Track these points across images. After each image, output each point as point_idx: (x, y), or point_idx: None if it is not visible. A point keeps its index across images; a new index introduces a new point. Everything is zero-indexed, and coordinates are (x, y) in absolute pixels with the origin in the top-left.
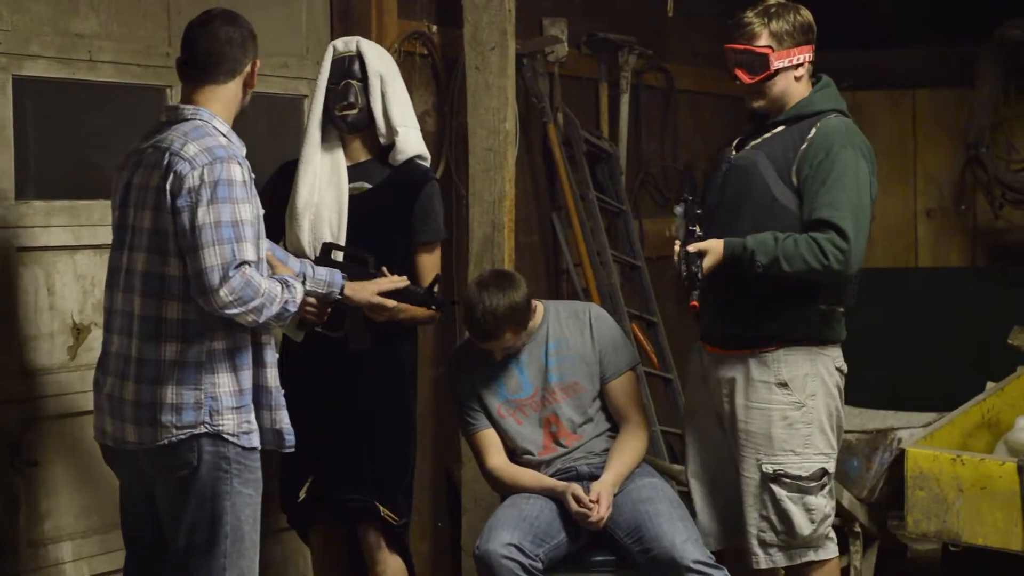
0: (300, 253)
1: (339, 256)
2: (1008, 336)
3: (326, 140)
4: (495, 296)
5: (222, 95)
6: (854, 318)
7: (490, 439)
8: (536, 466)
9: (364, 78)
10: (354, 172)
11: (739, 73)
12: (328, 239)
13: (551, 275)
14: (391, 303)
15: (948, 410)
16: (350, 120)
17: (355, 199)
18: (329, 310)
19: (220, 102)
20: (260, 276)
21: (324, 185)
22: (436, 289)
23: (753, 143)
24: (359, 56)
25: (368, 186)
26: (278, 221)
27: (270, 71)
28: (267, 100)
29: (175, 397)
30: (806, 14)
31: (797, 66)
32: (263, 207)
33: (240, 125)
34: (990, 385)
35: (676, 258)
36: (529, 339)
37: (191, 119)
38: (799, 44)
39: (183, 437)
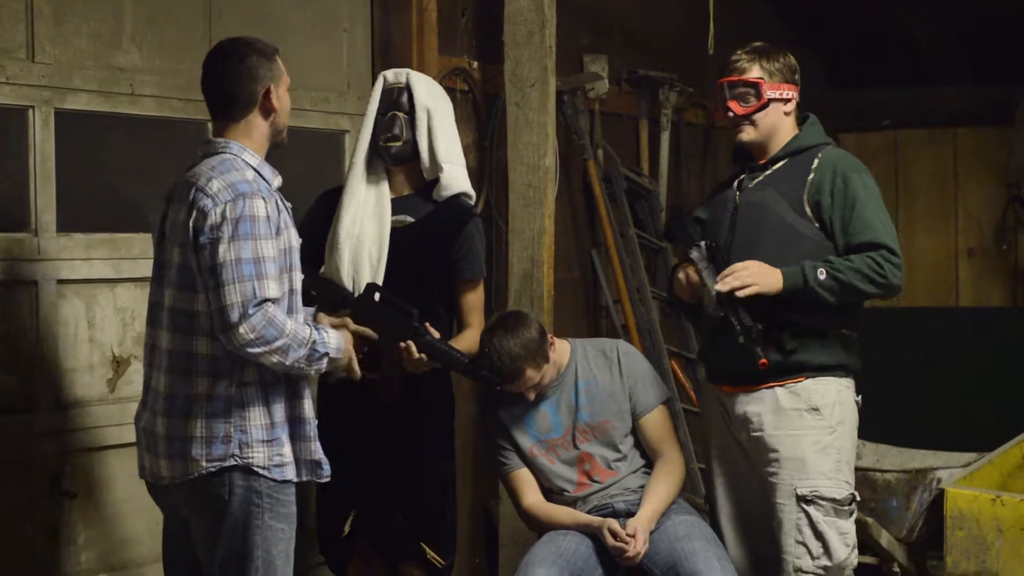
0: (338, 282)
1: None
2: None
3: (372, 171)
4: (506, 338)
5: (244, 128)
6: (894, 356)
7: (524, 478)
8: (572, 503)
9: (411, 111)
10: (397, 205)
11: (732, 105)
12: (367, 271)
13: (590, 311)
14: (425, 364)
15: (988, 450)
16: (394, 152)
17: (397, 232)
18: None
19: (246, 135)
20: (285, 315)
21: (367, 216)
22: (480, 361)
23: (756, 181)
24: (408, 88)
25: (410, 219)
26: (318, 249)
27: (311, 105)
28: (307, 135)
29: (204, 430)
30: (792, 58)
31: (786, 101)
32: (303, 235)
33: (279, 158)
34: None
35: (713, 304)
36: (559, 378)
37: (221, 152)
38: (788, 81)
39: (213, 470)
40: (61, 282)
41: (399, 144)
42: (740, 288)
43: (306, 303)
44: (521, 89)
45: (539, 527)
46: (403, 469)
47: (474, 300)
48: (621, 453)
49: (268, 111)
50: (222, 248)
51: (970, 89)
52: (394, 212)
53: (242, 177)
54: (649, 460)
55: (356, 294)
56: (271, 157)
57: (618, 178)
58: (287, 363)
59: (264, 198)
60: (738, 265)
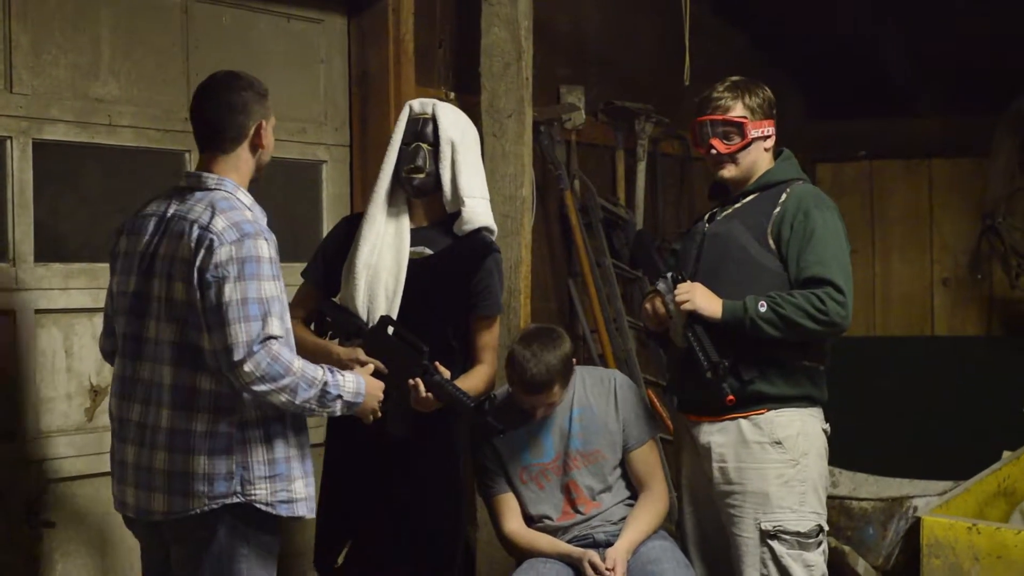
0: (353, 311)
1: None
2: None
3: (393, 201)
4: (545, 350)
5: (233, 162)
6: (870, 385)
7: (508, 503)
8: (553, 532)
9: (436, 143)
10: (416, 236)
11: (715, 143)
12: (383, 302)
13: None
14: (433, 403)
15: (964, 479)
16: (416, 183)
17: (414, 264)
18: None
19: (234, 169)
20: (292, 353)
21: (386, 247)
22: (486, 407)
23: (725, 214)
24: (434, 119)
25: (429, 252)
26: (335, 276)
27: (287, 136)
28: (285, 165)
29: (208, 467)
30: (769, 91)
31: (767, 138)
32: (324, 261)
33: (256, 189)
34: (1006, 454)
35: (680, 336)
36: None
37: (216, 189)
38: (768, 117)
39: (215, 507)
40: (39, 312)
41: (422, 176)
42: (682, 302)
43: (320, 330)
44: (498, 120)
45: (519, 554)
46: (405, 504)
47: (489, 338)
48: (607, 484)
49: (256, 147)
50: (228, 288)
51: (945, 121)
52: (413, 243)
53: (244, 217)
54: (634, 492)
55: (370, 324)
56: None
57: (595, 208)
58: (296, 402)
59: (267, 239)
60: (684, 285)
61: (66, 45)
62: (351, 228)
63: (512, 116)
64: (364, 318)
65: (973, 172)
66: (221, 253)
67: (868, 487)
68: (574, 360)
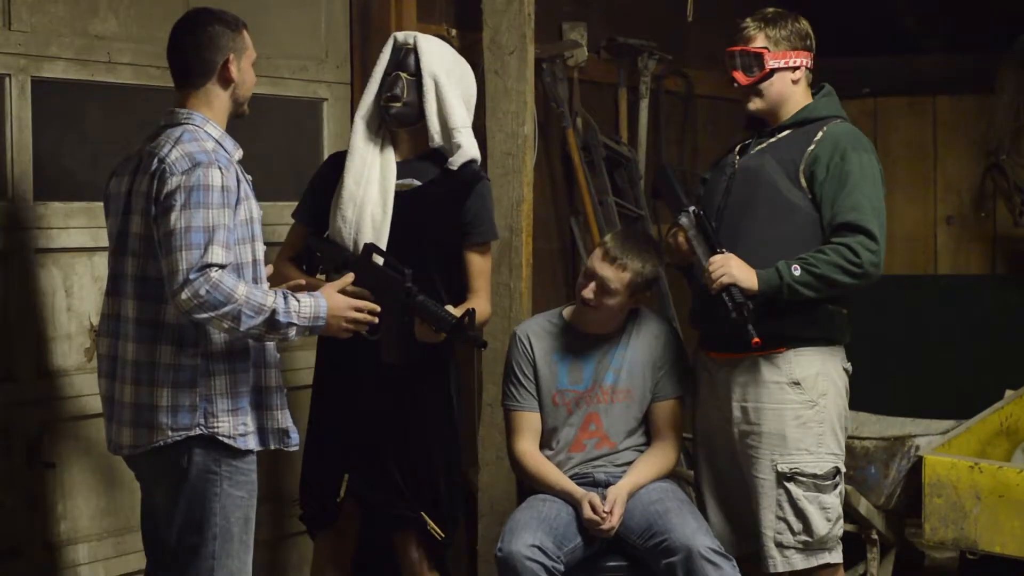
0: (341, 244)
1: (379, 259)
2: None
3: (378, 133)
4: (641, 250)
5: (204, 97)
6: (873, 324)
7: (529, 423)
8: (562, 462)
9: (417, 73)
10: (404, 169)
11: (736, 75)
12: (369, 234)
13: (569, 281)
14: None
15: (966, 418)
16: (393, 112)
17: (402, 196)
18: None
19: (206, 105)
20: (236, 280)
21: (372, 179)
22: (467, 321)
23: (758, 148)
24: (415, 50)
25: (417, 183)
26: (324, 211)
27: (289, 74)
28: (286, 103)
29: (171, 399)
30: (804, 23)
31: (794, 69)
32: (313, 198)
33: (258, 127)
34: (1009, 393)
35: (704, 275)
36: (610, 335)
37: (184, 123)
38: (796, 49)
39: (178, 439)
40: (38, 251)
41: (399, 105)
42: (718, 277)
43: (310, 264)
44: (500, 57)
45: (523, 475)
46: (401, 434)
47: (483, 265)
48: (629, 426)
49: (227, 81)
50: (173, 216)
51: (950, 57)
52: (400, 176)
53: (201, 148)
54: (648, 443)
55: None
56: (232, 127)
57: (597, 146)
58: (240, 329)
59: (221, 168)
60: (718, 259)
61: None
62: (338, 164)
63: (514, 53)
64: (352, 250)
65: (977, 109)
66: (171, 182)
67: (870, 426)
68: (648, 293)
